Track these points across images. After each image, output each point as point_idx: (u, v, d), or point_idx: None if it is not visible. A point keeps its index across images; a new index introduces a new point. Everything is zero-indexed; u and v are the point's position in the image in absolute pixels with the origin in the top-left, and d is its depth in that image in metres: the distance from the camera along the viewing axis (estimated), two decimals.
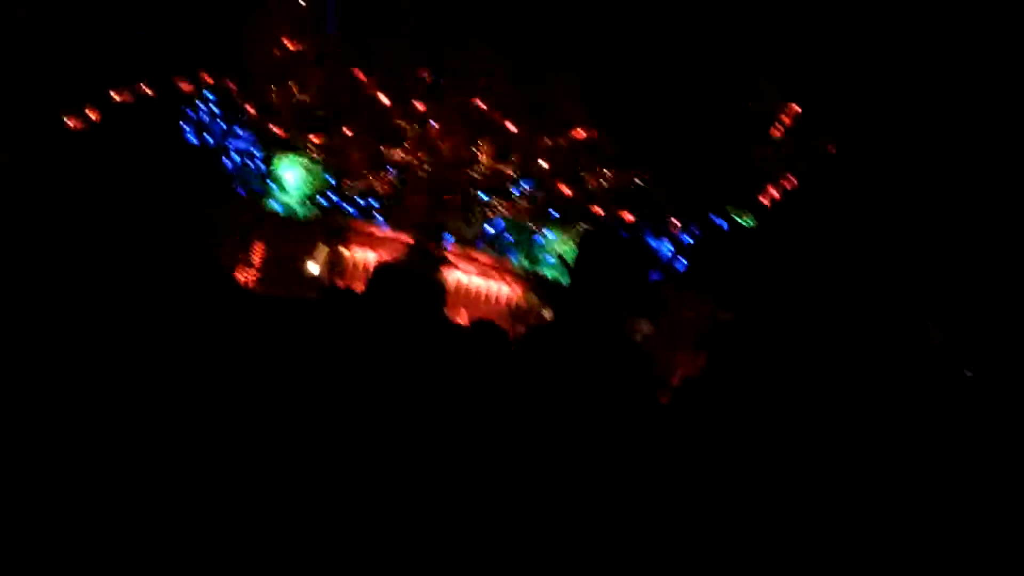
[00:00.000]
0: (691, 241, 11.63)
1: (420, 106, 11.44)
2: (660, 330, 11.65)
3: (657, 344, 11.64)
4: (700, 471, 5.86)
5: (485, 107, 11.44)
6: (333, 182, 11.39)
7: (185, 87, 10.85)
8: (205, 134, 11.09)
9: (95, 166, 9.63)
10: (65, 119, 10.34)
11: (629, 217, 11.59)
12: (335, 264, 11.13)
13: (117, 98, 10.61)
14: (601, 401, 6.51)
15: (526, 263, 11.74)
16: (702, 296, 11.22)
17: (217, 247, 10.80)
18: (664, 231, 11.65)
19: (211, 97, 10.99)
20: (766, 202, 11.26)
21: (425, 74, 11.41)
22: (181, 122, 10.97)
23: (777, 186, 11.17)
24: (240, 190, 11.17)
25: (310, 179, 11.36)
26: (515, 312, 11.63)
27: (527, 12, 11.40)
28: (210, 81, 10.97)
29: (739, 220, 11.22)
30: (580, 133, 11.73)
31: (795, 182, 11.04)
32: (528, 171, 11.62)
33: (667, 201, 11.58)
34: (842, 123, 10.81)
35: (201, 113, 11.03)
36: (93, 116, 10.48)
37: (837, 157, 10.58)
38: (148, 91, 10.78)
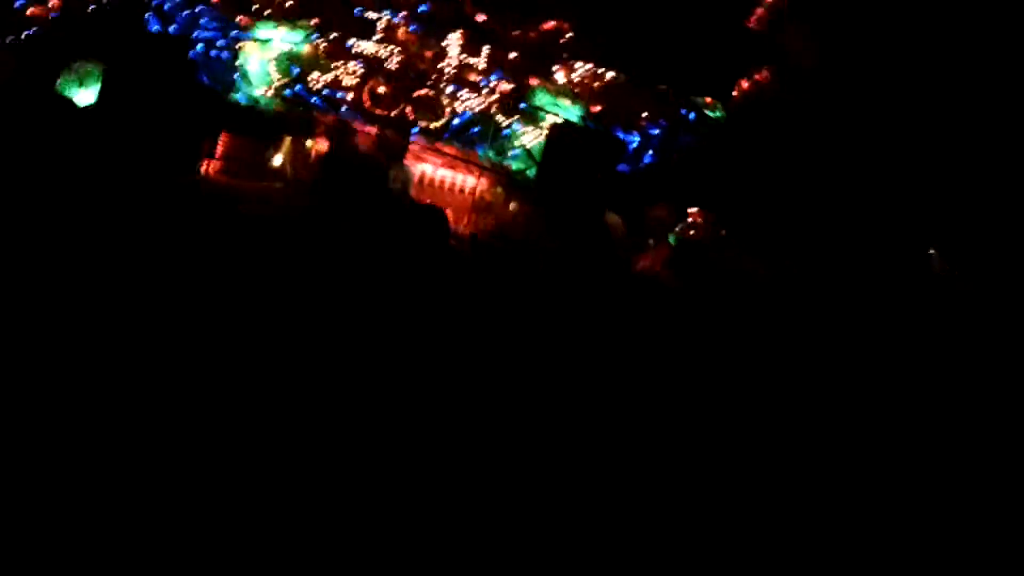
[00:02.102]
0: (659, 133, 11.61)
1: None
2: (631, 223, 11.71)
3: (628, 236, 11.70)
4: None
5: None
6: (298, 73, 11.19)
7: None
8: (169, 24, 10.82)
9: (56, 57, 9.35)
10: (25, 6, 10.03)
11: (595, 109, 11.54)
12: (299, 156, 10.99)
13: None
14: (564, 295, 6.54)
15: (492, 156, 11.67)
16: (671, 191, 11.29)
17: (185, 139, 10.62)
18: (633, 124, 11.62)
19: None
20: (736, 95, 11.26)
21: None
22: (146, 12, 10.68)
23: (750, 80, 11.17)
24: (203, 79, 10.93)
25: (276, 70, 11.16)
26: (480, 203, 11.59)
27: None
28: None
29: (709, 114, 11.22)
30: (549, 24, 11.62)
31: (768, 76, 11.04)
32: (497, 63, 11.48)
33: (637, 94, 11.54)
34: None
35: (166, 1, 10.74)
36: (53, 2, 10.17)
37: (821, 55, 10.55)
38: None
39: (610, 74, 11.45)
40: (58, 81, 9.93)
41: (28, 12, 9.98)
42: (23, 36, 9.68)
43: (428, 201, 11.08)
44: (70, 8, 10.18)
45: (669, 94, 11.43)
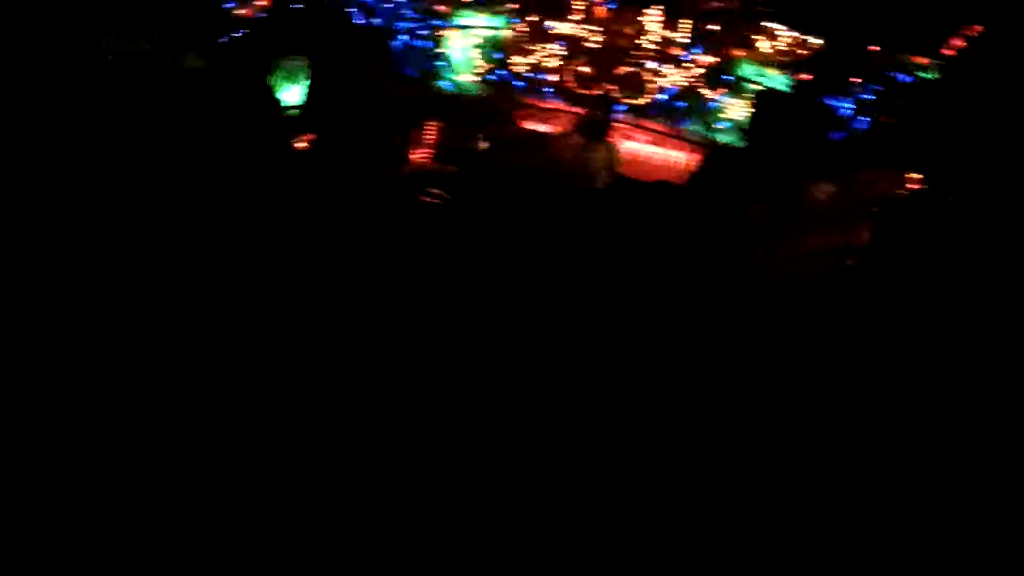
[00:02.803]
0: (873, 98, 11.06)
1: None
2: (843, 193, 11.23)
3: (838, 207, 11.21)
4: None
5: None
6: (500, 58, 11.36)
7: None
8: (372, 17, 11.22)
9: (261, 52, 9.84)
10: (234, 8, 10.65)
11: (805, 77, 11.12)
12: (501, 139, 11.14)
13: None
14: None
15: (701, 129, 11.46)
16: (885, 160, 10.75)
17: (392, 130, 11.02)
18: (844, 90, 11.13)
19: None
20: (951, 53, 10.59)
21: None
22: (348, 6, 11.12)
23: (961, 36, 10.48)
24: (408, 70, 11.28)
25: (479, 56, 11.38)
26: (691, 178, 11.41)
27: None
28: None
29: (922, 75, 10.60)
30: None
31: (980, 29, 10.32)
32: (699, 35, 11.27)
33: (846, 58, 11.04)
34: None
35: None
36: (261, 2, 10.75)
37: None
38: None
39: (815, 40, 11.02)
40: (267, 79, 10.46)
41: (234, 13, 10.58)
42: (230, 37, 10.27)
43: (637, 178, 11.02)
44: (278, 6, 10.72)
45: (879, 56, 10.88)
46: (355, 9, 11.14)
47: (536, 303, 6.06)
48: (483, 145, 11.03)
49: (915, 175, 10.43)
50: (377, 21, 11.20)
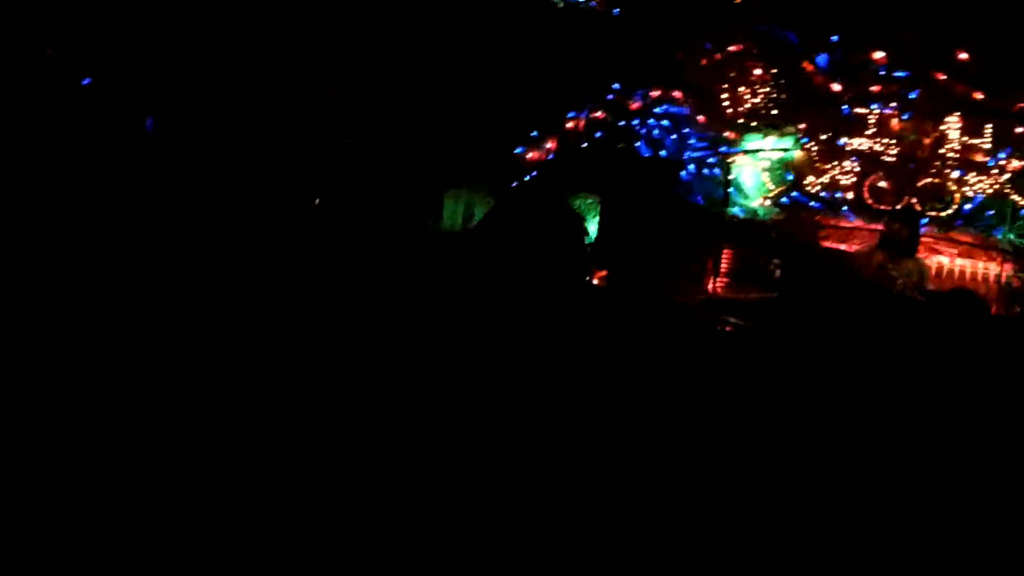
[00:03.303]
0: None
1: (875, 88, 10.93)
2: None
3: None
4: None
5: (945, 77, 10.68)
6: (792, 179, 11.18)
7: (633, 106, 11.22)
8: (659, 149, 11.38)
9: (555, 194, 10.23)
10: (525, 152, 11.14)
11: None
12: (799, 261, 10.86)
13: (570, 125, 11.23)
14: None
15: (1013, 238, 10.73)
16: None
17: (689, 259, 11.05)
18: None
19: (659, 111, 11.28)
20: None
21: (874, 54, 10.89)
22: (634, 140, 11.35)
23: None
24: (699, 199, 11.31)
25: (770, 179, 11.26)
26: (1006, 290, 10.69)
27: None
28: (657, 95, 11.26)
29: None
30: None
31: None
32: (1004, 139, 10.65)
33: None
34: None
35: (652, 128, 11.33)
36: (549, 145, 11.18)
37: None
38: (600, 114, 11.30)
39: None
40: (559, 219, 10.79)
41: (528, 157, 11.06)
42: (519, 182, 10.74)
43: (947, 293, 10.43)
44: (566, 146, 11.12)
45: None
46: (642, 143, 11.35)
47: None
48: (778, 271, 10.80)
49: None
50: (663, 153, 11.35)
